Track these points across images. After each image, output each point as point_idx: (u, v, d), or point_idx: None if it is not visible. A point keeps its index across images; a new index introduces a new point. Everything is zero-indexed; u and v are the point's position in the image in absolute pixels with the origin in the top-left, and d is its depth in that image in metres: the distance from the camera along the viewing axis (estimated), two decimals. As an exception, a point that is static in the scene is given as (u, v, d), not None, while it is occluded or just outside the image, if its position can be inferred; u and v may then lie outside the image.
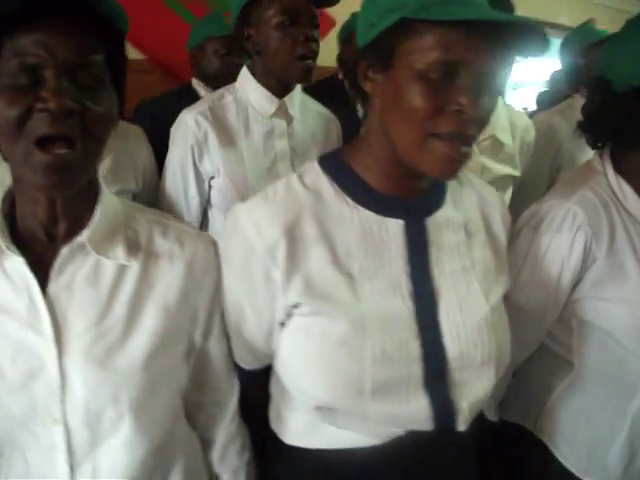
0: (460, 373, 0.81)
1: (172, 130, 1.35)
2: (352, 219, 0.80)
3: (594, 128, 1.08)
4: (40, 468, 0.72)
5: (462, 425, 0.82)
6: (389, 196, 0.82)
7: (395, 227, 0.81)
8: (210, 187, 1.37)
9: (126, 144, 1.31)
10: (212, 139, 1.31)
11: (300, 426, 0.88)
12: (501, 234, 0.93)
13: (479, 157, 1.46)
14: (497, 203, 0.95)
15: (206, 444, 0.90)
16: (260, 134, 1.34)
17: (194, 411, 0.88)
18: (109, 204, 0.76)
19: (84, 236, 0.72)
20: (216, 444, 0.89)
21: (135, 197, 1.34)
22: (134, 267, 0.75)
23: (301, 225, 0.78)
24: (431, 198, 0.86)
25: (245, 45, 1.33)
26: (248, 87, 1.36)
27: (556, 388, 1.10)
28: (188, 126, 1.30)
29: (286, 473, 0.91)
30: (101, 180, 0.77)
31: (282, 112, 1.35)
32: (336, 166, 0.84)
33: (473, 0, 0.72)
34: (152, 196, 1.40)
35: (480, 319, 0.83)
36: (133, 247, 0.76)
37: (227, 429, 0.89)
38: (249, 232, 0.77)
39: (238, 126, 1.34)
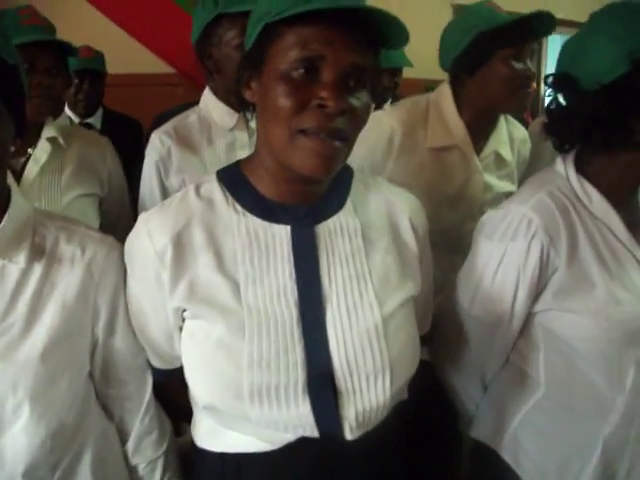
0: (347, 381, 0.81)
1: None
2: (239, 226, 0.84)
3: (559, 130, 1.03)
4: None
5: (349, 434, 0.82)
6: (278, 202, 0.84)
7: (281, 233, 0.84)
8: None
9: (87, 153, 1.42)
10: (175, 154, 1.40)
11: (205, 429, 0.91)
12: (410, 240, 0.92)
13: (482, 174, 1.44)
14: (407, 209, 0.94)
15: (123, 435, 0.96)
16: (222, 146, 1.43)
17: (108, 404, 0.95)
18: (18, 213, 0.84)
19: None
20: (131, 436, 0.95)
21: (103, 201, 1.46)
22: (37, 270, 0.83)
23: (190, 232, 0.83)
24: (326, 204, 0.87)
25: (206, 63, 1.41)
26: (210, 104, 1.46)
27: (522, 407, 1.06)
28: (154, 145, 1.41)
29: (197, 476, 0.95)
30: (14, 191, 0.85)
31: (243, 125, 1.43)
32: (231, 176, 0.88)
33: None
34: (121, 201, 1.52)
35: (370, 326, 0.82)
36: (38, 252, 0.84)
37: (141, 422, 0.95)
38: (143, 239, 0.83)
39: (201, 140, 1.43)
